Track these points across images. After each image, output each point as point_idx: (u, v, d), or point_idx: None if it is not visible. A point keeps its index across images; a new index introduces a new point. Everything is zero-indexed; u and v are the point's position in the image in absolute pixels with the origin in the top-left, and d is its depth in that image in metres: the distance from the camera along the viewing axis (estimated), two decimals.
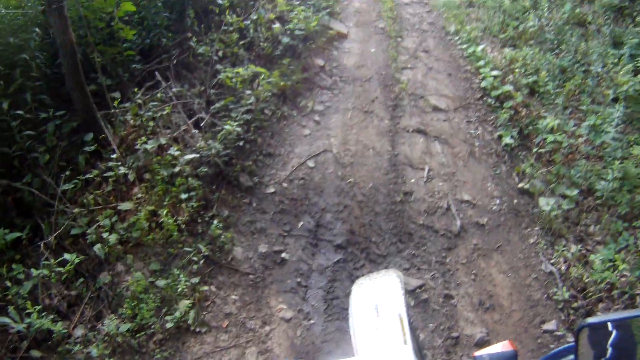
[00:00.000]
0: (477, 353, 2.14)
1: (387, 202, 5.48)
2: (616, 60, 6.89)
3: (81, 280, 4.45)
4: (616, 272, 4.81)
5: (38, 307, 4.06)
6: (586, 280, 4.85)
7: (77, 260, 4.35)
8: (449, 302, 4.75)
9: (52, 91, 5.49)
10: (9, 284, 4.22)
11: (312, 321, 4.44)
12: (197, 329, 4.23)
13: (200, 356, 4.11)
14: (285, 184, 5.53)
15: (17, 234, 4.54)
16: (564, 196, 5.69)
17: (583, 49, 7.37)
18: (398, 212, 5.40)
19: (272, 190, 5.45)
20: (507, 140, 6.34)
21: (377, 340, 2.59)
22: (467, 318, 4.66)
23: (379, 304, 2.75)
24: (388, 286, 2.89)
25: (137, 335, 4.11)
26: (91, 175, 4.98)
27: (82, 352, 4.04)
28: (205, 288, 4.45)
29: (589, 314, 4.78)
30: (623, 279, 4.76)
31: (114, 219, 4.76)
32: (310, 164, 5.80)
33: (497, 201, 5.71)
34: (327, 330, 4.37)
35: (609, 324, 2.41)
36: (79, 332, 4.20)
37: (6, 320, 4.00)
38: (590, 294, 4.80)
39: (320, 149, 6.00)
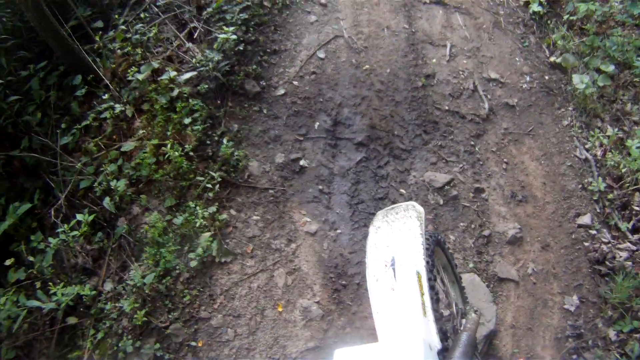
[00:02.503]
0: None
1: (408, 89, 4.92)
2: None
3: (100, 233, 4.27)
4: None
5: (61, 283, 3.94)
6: (623, 169, 4.50)
7: (90, 218, 4.15)
8: (479, 196, 4.40)
9: (31, 44, 5.11)
10: (31, 258, 4.11)
11: (338, 231, 4.13)
12: (223, 260, 4.00)
13: (229, 287, 3.91)
14: (295, 82, 4.99)
15: (28, 205, 4.37)
16: (599, 71, 5.13)
17: None
18: (420, 98, 4.87)
19: (282, 91, 4.92)
20: (535, 7, 5.64)
21: (394, 309, 2.33)
22: (499, 213, 4.34)
23: (396, 257, 2.46)
24: (406, 233, 2.55)
25: (164, 280, 3.91)
26: (88, 121, 4.67)
27: (115, 308, 3.92)
28: (224, 215, 4.15)
29: (625, 206, 4.44)
30: None
31: (119, 161, 4.50)
32: (321, 54, 5.18)
33: (527, 78, 5.16)
34: (355, 239, 4.07)
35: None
36: (108, 287, 4.08)
37: (35, 303, 3.91)
38: (627, 184, 4.46)
39: (330, 35, 5.34)
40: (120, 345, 3.79)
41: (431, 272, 2.54)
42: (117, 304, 3.95)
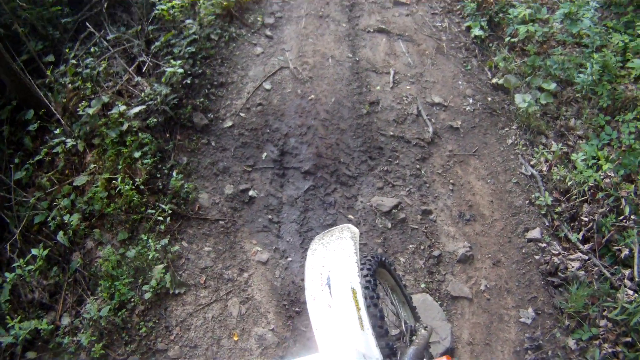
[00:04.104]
0: None
1: (353, 116, 5.17)
2: None
3: (55, 268, 4.38)
4: (600, 171, 4.58)
5: (18, 318, 4.02)
6: (569, 183, 4.65)
7: (44, 253, 4.23)
8: (427, 218, 4.58)
9: None
10: None
11: (289, 259, 4.33)
12: (177, 291, 4.15)
13: (184, 318, 4.06)
14: (242, 114, 5.20)
15: None
16: (541, 89, 5.39)
17: None
18: (365, 125, 5.11)
19: (229, 123, 5.12)
20: (477, 31, 5.95)
21: (332, 324, 2.44)
22: (448, 233, 4.50)
23: (331, 275, 2.58)
24: (340, 252, 2.68)
25: (119, 313, 4.04)
26: (41, 156, 4.76)
27: (73, 342, 4.02)
28: (176, 247, 4.31)
29: (574, 217, 4.59)
30: (607, 180, 4.55)
31: (72, 196, 4.60)
32: (267, 85, 5.41)
33: (471, 100, 5.41)
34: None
35: None
36: (65, 321, 4.18)
37: None
38: (573, 196, 4.60)
39: (276, 67, 5.57)
40: None
41: (373, 291, 2.66)
42: (74, 338, 4.06)
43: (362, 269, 2.73)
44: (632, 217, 4.38)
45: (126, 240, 4.41)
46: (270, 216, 4.56)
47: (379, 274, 3.08)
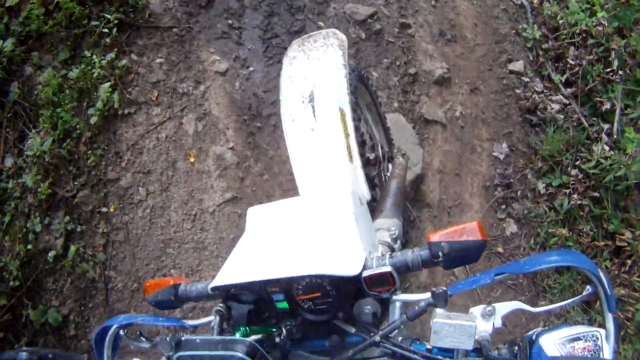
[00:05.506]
0: (434, 237, 1.21)
1: None
2: None
3: None
4: (593, 17, 4.22)
5: None
6: (560, 21, 4.18)
7: None
8: (405, 32, 3.89)
9: None
10: None
11: (250, 68, 3.53)
12: (126, 111, 3.43)
13: (135, 141, 3.37)
14: None
15: None
16: None
17: None
18: None
19: None
20: None
21: (315, 154, 1.87)
22: (426, 51, 3.88)
23: (315, 91, 1.95)
24: (327, 63, 2.02)
25: (64, 144, 3.39)
26: None
27: (18, 185, 3.45)
28: (124, 62, 3.52)
29: (559, 57, 4.15)
30: (600, 28, 4.18)
31: (5, 19, 3.84)
32: None
33: None
34: (270, 76, 3.50)
35: None
36: (8, 162, 3.58)
37: None
38: (562, 36, 4.15)
39: None
40: (28, 225, 3.37)
41: (355, 112, 2.07)
42: (19, 180, 3.47)
43: None
44: (620, 72, 4.12)
45: (68, 60, 3.66)
46: (230, 21, 3.68)
47: (357, 89, 2.43)
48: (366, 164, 2.34)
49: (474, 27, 4.19)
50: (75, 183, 3.38)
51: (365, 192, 1.85)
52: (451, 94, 3.90)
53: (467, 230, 1.17)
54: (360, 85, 2.58)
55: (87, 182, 3.37)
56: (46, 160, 3.40)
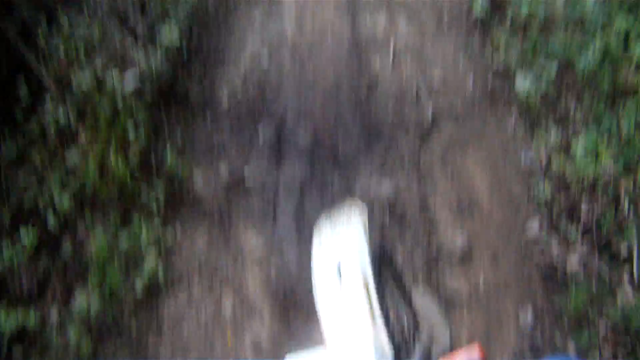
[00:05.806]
0: None
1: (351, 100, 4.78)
2: None
3: (45, 253, 4.06)
4: (599, 165, 4.16)
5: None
6: (568, 174, 4.27)
7: (32, 236, 3.93)
8: (426, 211, 4.25)
9: None
10: None
11: (285, 248, 4.01)
12: (169, 285, 3.87)
13: (176, 317, 3.78)
14: (239, 89, 4.82)
15: None
16: (542, 71, 4.82)
17: None
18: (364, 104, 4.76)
19: (225, 99, 4.76)
20: (478, 8, 5.36)
21: (342, 315, 2.12)
22: (446, 226, 4.19)
23: (341, 262, 2.23)
24: (350, 236, 2.33)
25: (109, 308, 3.77)
26: (31, 128, 4.41)
27: (61, 338, 3.74)
28: (170, 235, 4.01)
29: (572, 212, 4.20)
30: (606, 175, 4.12)
31: (62, 176, 4.28)
32: (265, 62, 5.01)
33: (471, 82, 4.93)
34: (304, 256, 3.86)
35: None
36: (54, 315, 3.88)
37: None
38: (573, 189, 4.23)
39: (274, 39, 5.16)
40: None
41: (379, 281, 2.31)
42: (63, 335, 3.77)
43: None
44: (631, 212, 4.00)
45: (118, 226, 4.09)
46: (266, 201, 4.21)
47: (382, 263, 2.79)
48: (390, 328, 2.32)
49: (489, 195, 4.40)
50: (117, 346, 3.73)
51: (387, 350, 2.01)
52: (473, 266, 4.08)
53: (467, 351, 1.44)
54: (384, 260, 2.98)
55: (128, 347, 3.72)
56: (91, 319, 3.75)
